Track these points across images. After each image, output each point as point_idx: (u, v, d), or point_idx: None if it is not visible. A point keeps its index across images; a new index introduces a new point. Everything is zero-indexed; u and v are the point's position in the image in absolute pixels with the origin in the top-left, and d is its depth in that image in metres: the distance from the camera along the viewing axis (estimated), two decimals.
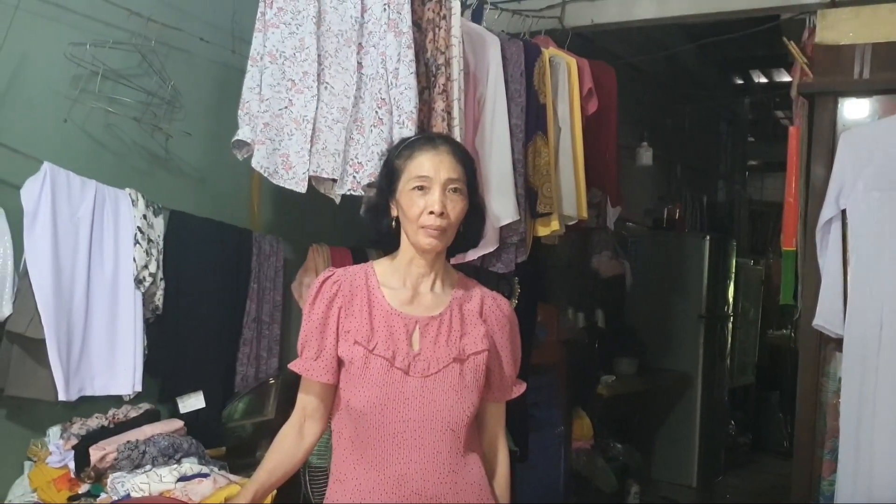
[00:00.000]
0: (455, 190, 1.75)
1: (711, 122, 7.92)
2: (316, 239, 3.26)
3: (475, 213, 1.85)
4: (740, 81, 8.21)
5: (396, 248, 1.84)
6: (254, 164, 2.60)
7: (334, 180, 2.61)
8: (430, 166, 1.74)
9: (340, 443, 1.79)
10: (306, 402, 1.83)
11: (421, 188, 1.73)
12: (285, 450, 1.82)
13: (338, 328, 1.77)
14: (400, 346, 1.73)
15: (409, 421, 1.69)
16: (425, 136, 1.90)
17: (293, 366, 1.80)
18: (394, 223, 1.81)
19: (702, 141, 7.59)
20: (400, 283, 1.80)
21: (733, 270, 6.21)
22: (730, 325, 6.27)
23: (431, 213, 1.71)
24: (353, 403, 1.72)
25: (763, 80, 8.07)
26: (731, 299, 6.24)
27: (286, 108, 2.61)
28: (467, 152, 1.87)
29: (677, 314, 5.72)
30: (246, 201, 3.21)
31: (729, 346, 6.28)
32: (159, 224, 2.71)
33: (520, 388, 1.91)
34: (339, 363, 1.77)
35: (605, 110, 3.73)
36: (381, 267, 1.85)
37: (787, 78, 7.84)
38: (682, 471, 5.68)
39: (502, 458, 1.91)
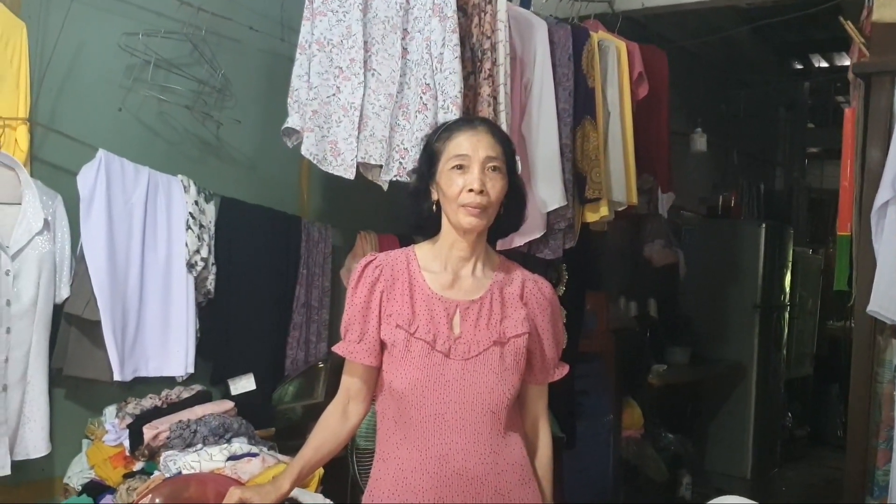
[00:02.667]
0: (494, 168, 1.75)
1: (769, 107, 7.74)
2: (363, 226, 3.29)
3: (515, 195, 1.84)
4: (800, 66, 8.00)
5: (437, 232, 1.85)
6: (303, 151, 2.63)
7: (381, 166, 2.63)
8: (469, 145, 1.74)
9: (384, 423, 1.81)
10: (350, 384, 1.85)
11: (460, 167, 1.73)
12: (330, 429, 1.85)
13: (380, 312, 1.78)
14: (441, 330, 1.74)
15: (450, 402, 1.71)
16: (463, 118, 1.90)
17: (337, 348, 1.82)
18: (434, 207, 1.82)
19: (759, 127, 7.42)
20: (441, 267, 1.81)
21: (790, 259, 6.07)
22: (786, 315, 6.14)
23: (471, 190, 1.71)
24: (396, 385, 1.74)
25: (824, 64, 7.85)
26: (787, 289, 6.10)
27: (334, 95, 2.64)
28: (505, 133, 1.87)
29: (732, 304, 5.62)
30: (295, 188, 3.25)
31: (785, 336, 6.15)
32: (211, 210, 2.77)
33: (562, 371, 1.90)
34: (382, 346, 1.79)
35: (656, 95, 3.68)
36: (422, 251, 1.86)
37: (848, 62, 7.63)
38: (736, 462, 5.60)
39: (544, 440, 1.91)
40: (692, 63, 5.62)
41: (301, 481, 1.85)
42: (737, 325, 5.63)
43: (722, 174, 6.68)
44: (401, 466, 1.73)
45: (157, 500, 1.91)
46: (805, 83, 8.17)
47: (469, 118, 1.88)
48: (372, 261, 1.82)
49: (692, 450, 5.13)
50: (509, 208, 1.83)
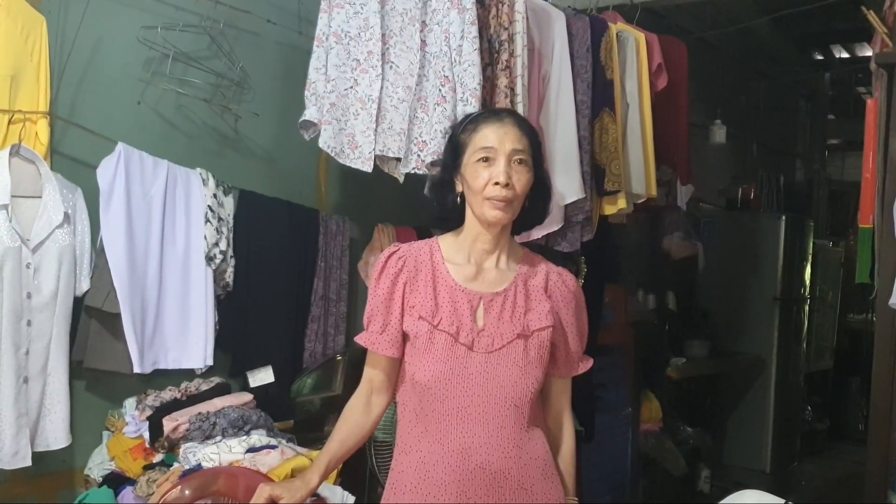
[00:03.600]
0: (520, 161, 1.73)
1: (789, 99, 7.66)
2: (381, 219, 3.29)
3: (541, 187, 1.83)
4: (820, 57, 7.91)
5: (460, 225, 1.84)
6: (321, 144, 2.63)
7: (399, 159, 2.63)
8: (495, 137, 1.73)
9: (405, 415, 1.81)
10: (373, 375, 1.85)
11: (486, 160, 1.72)
12: (354, 421, 1.84)
13: (403, 303, 1.77)
14: (464, 322, 1.73)
15: (472, 396, 1.70)
16: (489, 110, 1.89)
17: (359, 339, 1.82)
18: (459, 199, 1.81)
19: (779, 119, 7.35)
20: (465, 259, 1.80)
21: (810, 252, 6.02)
22: (806, 308, 6.08)
23: (497, 183, 1.69)
24: (418, 377, 1.74)
25: (845, 54, 7.76)
26: (807, 281, 6.05)
27: (352, 87, 2.63)
28: (532, 126, 1.86)
29: (751, 296, 5.58)
30: (313, 181, 3.26)
31: (805, 329, 6.09)
32: (229, 203, 2.77)
33: (586, 364, 1.89)
34: (405, 337, 1.79)
35: (675, 86, 3.65)
36: (445, 243, 1.85)
37: (870, 52, 7.53)
38: (756, 456, 5.56)
39: (567, 434, 1.90)
40: (711, 54, 5.57)
41: (329, 473, 1.85)
42: (756, 318, 5.58)
43: (741, 166, 6.63)
44: (423, 460, 1.72)
45: (187, 492, 1.92)
46: (826, 74, 8.07)
47: (496, 110, 1.86)
48: (395, 251, 1.82)
49: (711, 443, 5.10)
50: (534, 201, 1.82)
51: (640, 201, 3.33)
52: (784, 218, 5.61)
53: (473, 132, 1.77)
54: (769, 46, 6.67)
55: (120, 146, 2.49)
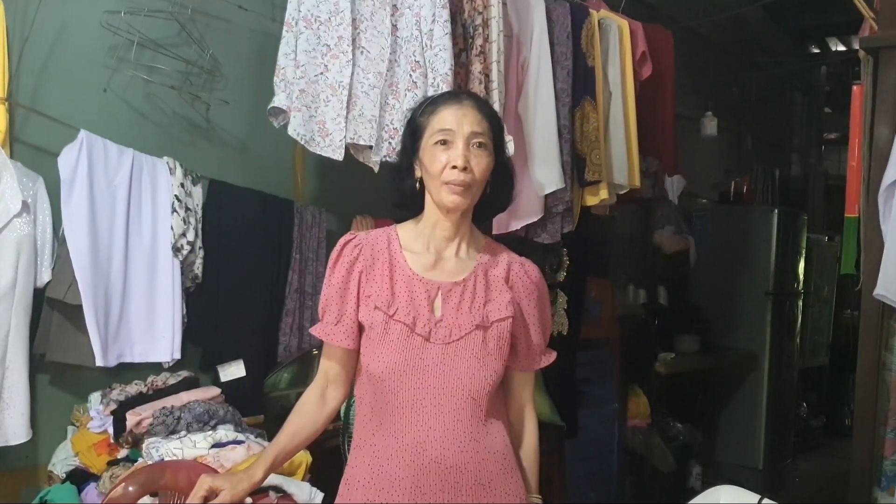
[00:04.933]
0: (480, 145, 1.68)
1: (784, 91, 7.58)
2: (360, 210, 3.22)
3: (503, 173, 1.78)
4: (816, 49, 7.83)
5: (420, 212, 1.78)
6: (290, 131, 2.56)
7: (371, 147, 2.56)
8: (453, 119, 1.67)
9: (361, 409, 1.75)
10: (328, 368, 1.80)
11: (444, 142, 1.67)
12: (307, 414, 1.79)
13: (359, 292, 1.72)
14: (421, 312, 1.67)
15: (428, 388, 1.64)
16: (449, 92, 1.83)
17: (314, 330, 1.77)
18: (417, 185, 1.75)
19: (774, 112, 7.28)
20: (423, 247, 1.75)
21: (804, 246, 5.94)
22: (800, 303, 6.01)
23: (454, 167, 1.64)
24: (372, 369, 1.68)
25: (841, 47, 7.68)
26: (801, 276, 5.98)
27: (322, 73, 2.56)
28: (494, 110, 1.80)
29: (743, 291, 5.51)
30: (289, 172, 3.19)
31: (799, 324, 6.02)
32: (198, 193, 2.71)
33: (548, 358, 1.83)
34: (361, 328, 1.73)
35: (660, 76, 3.59)
36: (404, 231, 1.79)
37: None
38: (748, 453, 5.49)
39: (530, 429, 1.84)
40: (703, 45, 5.50)
41: (277, 468, 1.79)
42: (749, 313, 5.51)
43: (735, 160, 6.55)
44: (376, 454, 1.66)
45: (131, 489, 1.86)
46: (822, 67, 8.00)
47: (455, 92, 1.81)
48: (351, 240, 1.76)
49: (702, 440, 5.03)
50: (495, 188, 1.76)
51: (623, 192, 3.27)
52: (777, 211, 5.54)
53: (431, 114, 1.71)
54: (763, 38, 6.60)
55: (82, 134, 2.42)
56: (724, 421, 5.57)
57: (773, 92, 7.14)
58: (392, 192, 1.82)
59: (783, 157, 7.77)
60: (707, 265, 5.51)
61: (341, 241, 1.77)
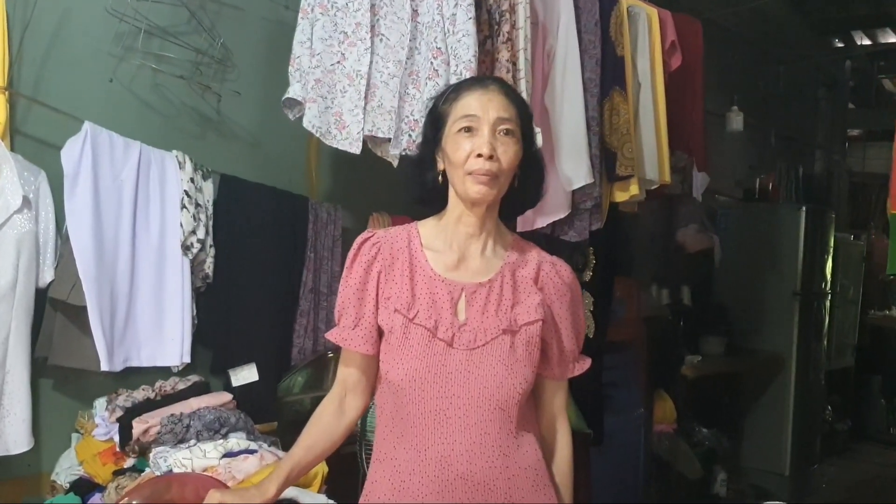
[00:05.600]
0: (507, 132, 1.55)
1: (808, 86, 7.40)
2: (376, 206, 3.09)
3: (532, 165, 1.65)
4: (840, 44, 7.65)
5: (442, 207, 1.65)
6: (305, 123, 2.44)
7: (390, 140, 2.42)
8: (478, 105, 1.55)
9: (382, 419, 1.63)
10: (346, 375, 1.68)
11: (468, 129, 1.54)
12: (324, 425, 1.67)
13: (377, 294, 1.60)
14: (443, 316, 1.55)
15: (452, 397, 1.51)
16: (473, 78, 1.70)
17: (330, 335, 1.65)
18: (440, 178, 1.62)
19: (797, 108, 7.10)
20: (446, 245, 1.62)
21: (832, 245, 5.77)
22: (827, 304, 5.83)
23: (479, 155, 1.51)
24: (392, 377, 1.55)
25: (866, 41, 7.50)
26: (829, 276, 5.80)
27: (338, 62, 2.43)
28: (521, 96, 1.67)
29: (770, 291, 5.34)
30: (303, 166, 3.05)
31: (826, 325, 5.85)
32: (208, 188, 2.58)
33: (582, 366, 1.70)
34: (380, 332, 1.60)
35: (689, 67, 3.43)
36: (425, 228, 1.67)
37: (893, 38, 7.26)
38: (774, 458, 5.32)
39: (563, 441, 1.71)
40: (725, 37, 5.33)
41: (291, 483, 1.66)
42: (775, 314, 5.34)
43: (759, 156, 6.38)
44: (398, 469, 1.54)
45: (135, 502, 1.73)
46: (846, 61, 7.81)
47: (480, 77, 1.68)
48: (369, 238, 1.64)
49: (728, 445, 4.87)
50: (524, 180, 1.63)
51: (653, 188, 3.12)
52: (804, 209, 5.36)
53: (455, 101, 1.59)
54: (787, 31, 6.43)
55: (87, 125, 2.29)
56: (750, 425, 5.40)
57: (796, 87, 6.96)
58: (412, 186, 1.70)
59: (807, 153, 7.59)
60: (732, 264, 5.34)
61: (359, 239, 1.65)
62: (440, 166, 1.61)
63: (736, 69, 5.50)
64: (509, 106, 1.57)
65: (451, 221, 1.62)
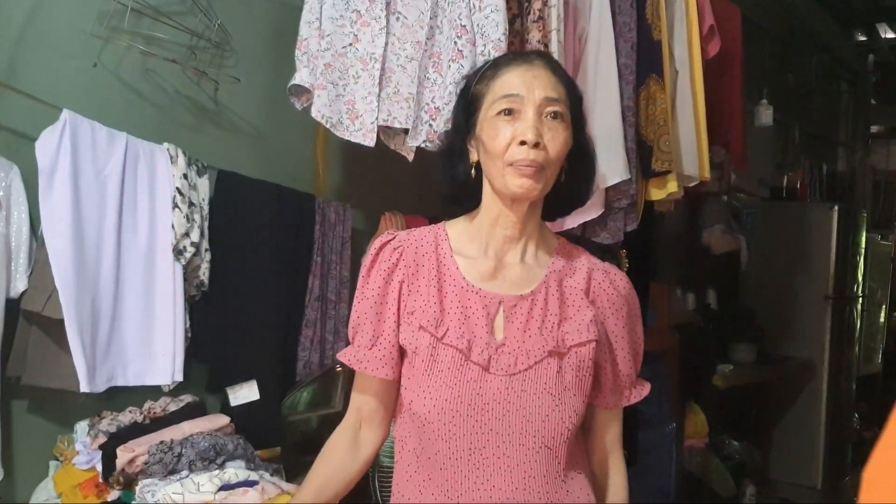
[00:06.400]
0: (555, 115, 1.29)
1: (831, 82, 7.12)
2: (389, 206, 2.82)
3: (582, 157, 1.38)
4: (863, 37, 7.36)
5: (475, 206, 1.40)
6: (314, 113, 2.18)
7: (407, 131, 2.16)
8: (521, 83, 1.29)
9: (404, 457, 1.37)
10: (361, 403, 1.43)
11: (508, 112, 1.28)
12: (336, 463, 1.42)
13: (399, 308, 1.35)
14: (478, 334, 1.29)
15: (489, 433, 1.26)
16: (515, 53, 1.43)
17: (343, 356, 1.39)
18: (473, 171, 1.37)
19: (819, 103, 6.82)
20: (480, 250, 1.36)
21: (863, 246, 5.50)
22: (858, 308, 5.56)
23: (523, 143, 1.25)
24: (417, 408, 1.29)
25: (891, 34, 7.21)
26: (860, 278, 5.52)
27: (351, 45, 2.17)
28: (570, 76, 1.40)
29: (800, 295, 5.07)
30: (309, 161, 2.78)
31: (858, 330, 5.57)
32: (204, 185, 2.31)
33: (640, 392, 1.44)
34: (402, 353, 1.35)
35: (727, 54, 3.17)
36: (455, 230, 1.41)
37: None
38: (805, 470, 5.05)
39: (617, 481, 1.45)
40: (751, 28, 5.05)
41: None
42: (806, 319, 5.07)
43: (783, 153, 6.10)
44: None
45: None
46: (869, 55, 7.52)
47: (523, 52, 1.43)
48: (389, 241, 1.38)
49: (759, 458, 4.60)
50: (573, 174, 1.37)
51: (691, 185, 2.85)
52: (836, 209, 5.08)
53: (493, 79, 1.33)
54: (808, 23, 6.14)
55: (65, 114, 2.02)
56: (779, 436, 5.13)
57: (819, 82, 6.68)
58: (441, 181, 1.43)
59: (829, 150, 7.31)
60: (760, 267, 5.07)
61: (378, 242, 1.39)
62: (473, 157, 1.36)
63: (764, 61, 5.22)
64: (558, 85, 1.31)
65: (486, 222, 1.36)
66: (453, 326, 1.29)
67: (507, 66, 1.33)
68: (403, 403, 1.35)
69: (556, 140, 1.28)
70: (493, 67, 1.35)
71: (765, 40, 5.33)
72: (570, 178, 1.36)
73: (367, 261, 1.38)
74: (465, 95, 1.38)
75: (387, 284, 1.35)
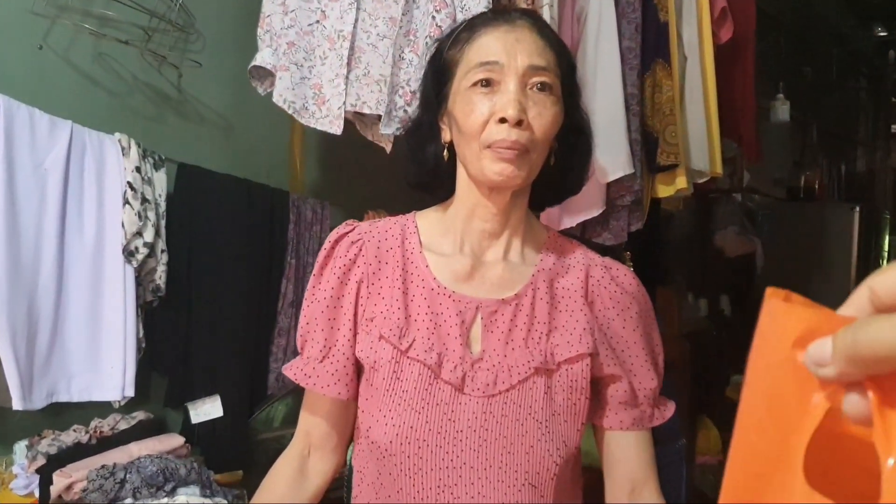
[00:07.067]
0: (542, 87, 1.06)
1: (850, 79, 6.86)
2: (372, 204, 2.59)
3: (576, 136, 1.15)
4: (883, 32, 7.10)
5: (449, 194, 1.18)
6: (275, 98, 1.96)
7: (380, 117, 1.93)
8: (501, 48, 1.06)
9: (362, 490, 1.16)
10: (311, 426, 1.22)
11: (486, 83, 1.05)
12: (279, 496, 1.19)
13: (356, 314, 1.13)
14: (450, 347, 1.07)
15: (462, 467, 1.03)
16: (494, 10, 1.20)
17: (288, 369, 1.18)
18: (446, 153, 1.14)
19: (837, 101, 6.56)
20: (455, 246, 1.14)
21: (886, 249, 5.24)
22: None
23: (503, 120, 1.02)
24: (376, 436, 1.07)
25: None
26: None
27: (318, 22, 1.95)
28: (560, 39, 1.17)
29: (820, 300, 4.76)
30: (284, 155, 2.57)
31: None
32: (160, 180, 2.09)
33: (663, 411, 1.19)
34: (359, 368, 1.14)
35: (740, 40, 2.94)
36: (426, 221, 1.19)
37: None
38: None
39: None
40: (765, 19, 4.81)
41: None
42: None
43: (800, 152, 5.85)
44: None
45: None
46: (889, 51, 7.26)
47: (503, 10, 1.20)
48: (346, 234, 1.17)
49: None
50: (565, 156, 1.14)
51: (702, 181, 2.61)
52: (858, 209, 4.83)
53: (467, 43, 1.10)
54: (826, 16, 5.89)
55: None
56: None
57: (837, 79, 6.43)
58: (408, 165, 1.21)
59: (849, 149, 7.04)
60: (776, 271, 4.82)
61: (333, 234, 1.18)
62: (446, 137, 1.14)
63: (780, 54, 4.98)
64: (546, 49, 1.08)
65: (461, 214, 1.14)
66: (421, 337, 1.08)
67: (484, 28, 1.10)
68: (361, 429, 1.13)
69: (543, 117, 1.05)
70: (468, 29, 1.12)
71: (780, 32, 5.09)
72: (561, 162, 1.14)
73: (320, 257, 1.17)
74: (436, 63, 1.15)
75: (342, 285, 1.13)
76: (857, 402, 0.33)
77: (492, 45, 1.07)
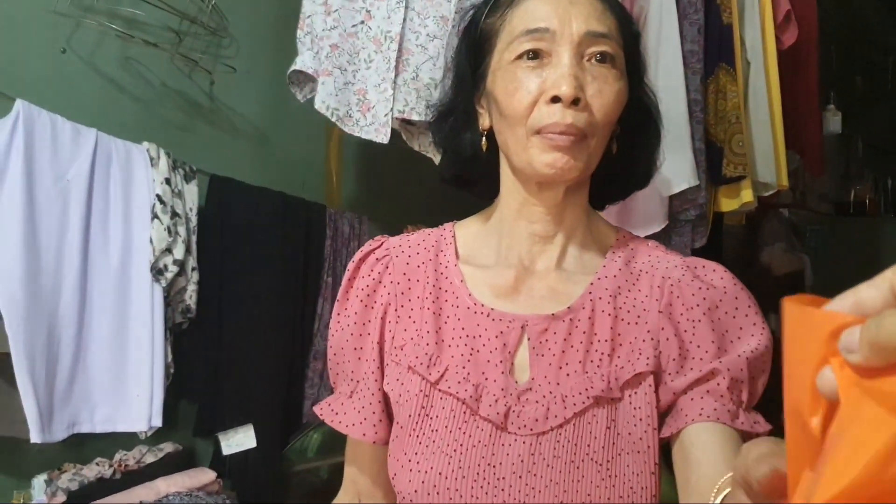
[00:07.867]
0: (603, 58, 0.86)
1: (894, 87, 6.64)
2: (412, 219, 2.44)
3: (643, 118, 0.96)
4: None
5: (492, 193, 0.98)
6: (317, 104, 1.82)
7: (430, 125, 1.78)
8: (551, 12, 0.86)
9: None
10: (355, 475, 1.04)
11: (534, 55, 0.86)
12: None
13: (381, 341, 0.95)
14: (490, 376, 0.88)
15: None
16: None
17: (318, 406, 1.01)
18: (485, 141, 0.95)
19: (885, 111, 6.34)
20: (497, 255, 0.95)
21: None
22: None
23: (555, 99, 0.83)
24: (401, 484, 0.89)
25: None
26: None
27: (363, 22, 1.81)
28: (622, 5, 0.98)
29: None
30: (321, 167, 2.43)
31: None
32: (192, 192, 1.95)
33: (757, 424, 0.87)
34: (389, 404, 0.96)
35: (803, 46, 2.76)
36: (466, 230, 1.00)
37: None
38: None
39: None
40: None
41: None
42: None
43: (847, 165, 5.63)
44: None
45: None
46: None
47: None
48: (372, 251, 0.99)
49: None
50: (630, 142, 0.94)
51: (767, 194, 2.43)
52: None
53: (510, 8, 0.90)
54: (876, 25, 5.69)
55: (19, 104, 1.68)
56: None
57: (881, 89, 6.21)
58: (441, 158, 1.03)
59: (891, 163, 6.81)
60: (826, 289, 4.49)
61: (359, 252, 1.01)
62: (484, 123, 0.95)
63: (832, 63, 4.78)
64: (605, 14, 0.88)
65: (506, 215, 0.95)
66: (454, 365, 0.89)
67: None
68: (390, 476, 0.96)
69: (605, 94, 0.85)
70: None
71: (831, 41, 4.89)
72: (625, 150, 0.94)
73: (344, 278, 0.99)
74: (471, 34, 0.95)
75: (367, 309, 0.96)
76: (829, 379, 0.34)
77: (540, 9, 0.87)
